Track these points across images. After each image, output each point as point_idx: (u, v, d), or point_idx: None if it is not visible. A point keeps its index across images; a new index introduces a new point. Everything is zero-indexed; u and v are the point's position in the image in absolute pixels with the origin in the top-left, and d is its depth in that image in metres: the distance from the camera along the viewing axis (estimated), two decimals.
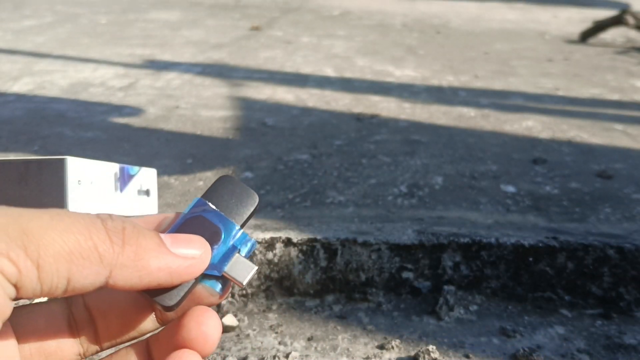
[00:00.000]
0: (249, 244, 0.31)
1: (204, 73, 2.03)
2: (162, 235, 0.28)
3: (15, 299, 0.25)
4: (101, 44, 2.46)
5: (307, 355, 0.77)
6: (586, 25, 2.91)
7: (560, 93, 1.88)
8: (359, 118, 1.57)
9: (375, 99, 1.75)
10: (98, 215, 0.27)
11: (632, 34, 2.87)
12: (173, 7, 3.57)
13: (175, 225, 0.30)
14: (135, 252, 0.27)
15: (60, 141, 1.36)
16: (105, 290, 0.30)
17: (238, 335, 0.80)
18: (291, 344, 0.79)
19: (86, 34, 2.70)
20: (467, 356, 0.77)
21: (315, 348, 0.78)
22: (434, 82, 1.98)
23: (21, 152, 1.29)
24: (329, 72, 2.09)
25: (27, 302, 0.31)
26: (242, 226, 0.31)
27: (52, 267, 0.25)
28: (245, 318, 0.84)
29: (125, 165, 0.95)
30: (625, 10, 2.74)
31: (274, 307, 0.87)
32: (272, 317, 0.85)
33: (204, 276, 0.30)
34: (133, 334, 0.31)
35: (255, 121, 1.53)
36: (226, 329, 0.81)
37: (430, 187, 1.13)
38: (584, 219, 1.01)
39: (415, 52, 2.46)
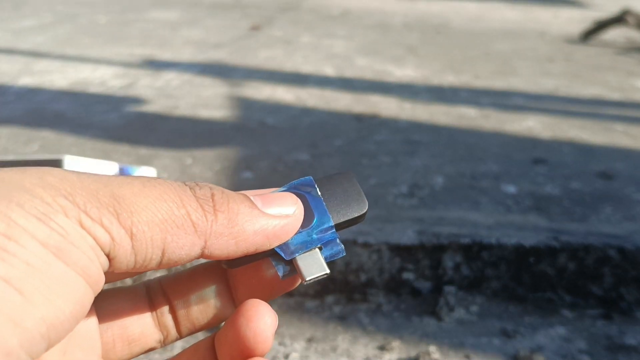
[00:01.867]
0: (335, 249, 0.29)
1: (204, 73, 2.03)
2: (252, 197, 0.27)
3: (108, 271, 0.24)
4: (101, 44, 2.46)
5: (307, 356, 0.76)
6: (587, 25, 2.90)
7: (561, 93, 1.88)
8: (359, 118, 1.56)
9: (375, 98, 1.75)
10: (186, 183, 0.26)
11: (633, 34, 2.87)
12: (172, 6, 3.56)
13: (276, 192, 0.29)
14: (228, 218, 0.25)
15: (59, 141, 1.36)
16: (183, 274, 0.30)
17: None
18: (291, 344, 0.79)
19: (86, 33, 2.70)
20: (467, 357, 0.76)
21: (315, 349, 0.78)
22: (435, 81, 1.98)
23: (20, 152, 1.28)
24: (329, 71, 2.08)
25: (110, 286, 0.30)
26: (337, 226, 0.29)
27: (147, 235, 0.23)
28: None
29: (125, 165, 0.94)
30: (626, 10, 2.74)
31: (274, 307, 0.86)
32: None
33: (273, 254, 0.28)
34: (211, 320, 0.30)
35: (255, 121, 1.52)
36: None
37: (430, 188, 1.13)
38: (585, 219, 1.01)
39: (416, 52, 2.46)
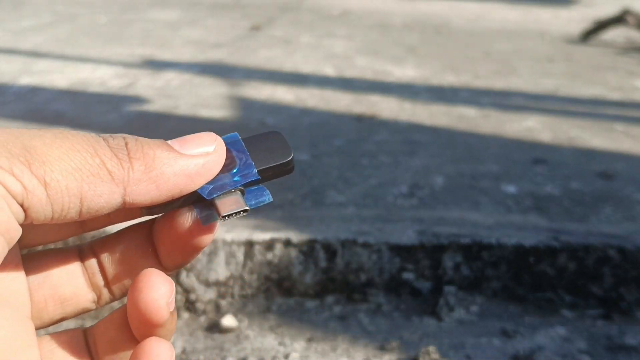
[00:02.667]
0: (260, 195, 0.28)
1: (204, 73, 2.03)
2: (169, 141, 0.27)
3: (25, 223, 0.24)
4: (100, 44, 2.46)
5: (307, 356, 0.76)
6: (587, 25, 2.90)
7: (561, 93, 1.88)
8: (359, 118, 1.56)
9: (375, 98, 1.75)
10: (99, 135, 0.26)
11: (633, 34, 2.87)
12: (172, 6, 3.56)
13: None
14: (145, 164, 0.25)
15: None
16: (112, 235, 0.30)
17: (237, 336, 0.80)
18: (291, 344, 0.78)
19: (85, 33, 2.70)
20: (467, 357, 0.76)
21: (315, 349, 0.78)
22: (435, 82, 1.97)
23: None
24: (329, 71, 2.08)
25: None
26: (261, 173, 0.28)
27: (61, 184, 0.23)
28: (245, 319, 0.84)
29: None
30: (626, 10, 2.74)
31: (274, 307, 0.86)
32: (272, 318, 0.84)
33: (195, 200, 0.28)
34: None
35: (255, 121, 1.52)
36: (226, 330, 0.81)
37: (430, 188, 1.12)
38: (585, 219, 1.01)
39: (416, 52, 2.46)
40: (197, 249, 0.29)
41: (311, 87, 1.86)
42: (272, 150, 0.29)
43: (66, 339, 0.29)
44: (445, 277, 0.89)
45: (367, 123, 1.52)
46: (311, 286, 0.88)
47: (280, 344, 0.79)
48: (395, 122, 1.54)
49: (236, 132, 0.30)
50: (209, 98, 1.73)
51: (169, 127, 1.45)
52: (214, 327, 0.81)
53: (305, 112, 1.61)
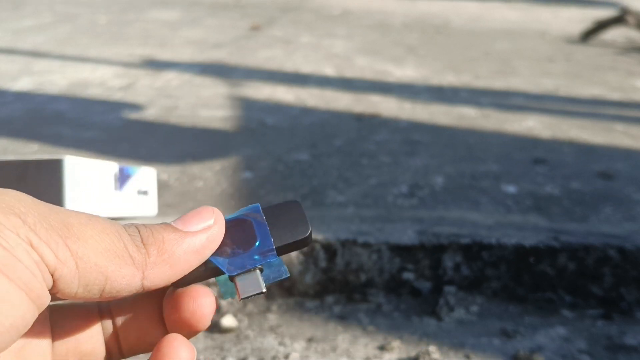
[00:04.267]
0: (278, 271, 0.31)
1: (204, 73, 2.03)
2: (173, 222, 0.29)
3: (52, 292, 0.25)
4: (100, 44, 2.46)
5: (307, 356, 0.76)
6: (587, 25, 2.90)
7: (561, 93, 1.88)
8: (359, 118, 1.56)
9: (375, 98, 1.75)
10: (118, 223, 0.28)
11: (633, 34, 2.87)
12: (172, 6, 3.56)
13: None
14: (157, 248, 0.27)
15: (59, 141, 1.36)
16: (129, 298, 0.31)
17: (237, 336, 0.80)
18: (291, 344, 0.78)
19: (85, 33, 2.70)
20: (467, 357, 0.76)
21: (315, 349, 0.78)
22: (435, 81, 1.97)
23: (20, 152, 1.28)
24: (329, 71, 2.08)
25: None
26: (279, 249, 0.30)
27: (91, 260, 0.25)
28: (245, 319, 0.84)
29: (125, 165, 0.94)
30: (626, 10, 2.74)
31: (274, 307, 0.86)
32: (272, 318, 0.84)
33: (216, 273, 0.30)
34: (146, 346, 0.32)
35: (255, 121, 1.52)
36: (225, 330, 0.81)
37: (430, 188, 1.12)
38: (585, 219, 1.01)
39: (416, 52, 2.46)
40: (196, 331, 0.31)
41: (311, 87, 1.86)
42: (291, 225, 0.31)
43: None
44: (445, 277, 0.89)
45: (367, 123, 1.52)
46: (311, 286, 0.88)
47: (280, 344, 0.79)
48: (395, 122, 1.54)
49: (258, 204, 0.32)
50: (208, 98, 1.73)
51: (168, 127, 1.46)
52: (214, 327, 0.81)
53: (305, 112, 1.61)
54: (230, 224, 0.30)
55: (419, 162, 1.25)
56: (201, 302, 0.30)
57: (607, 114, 1.66)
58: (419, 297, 0.89)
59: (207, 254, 0.29)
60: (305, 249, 0.87)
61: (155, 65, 2.12)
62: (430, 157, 1.29)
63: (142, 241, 0.27)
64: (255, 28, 2.91)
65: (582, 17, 3.40)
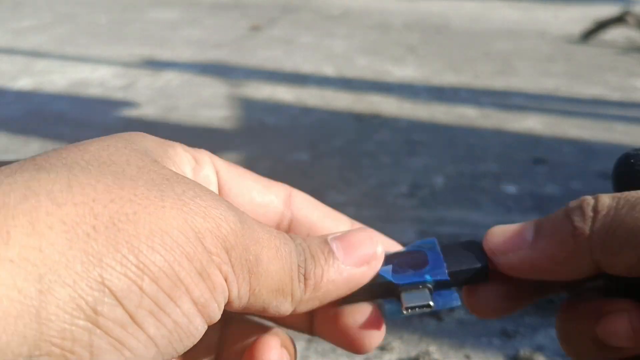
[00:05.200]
0: (450, 298, 0.28)
1: (204, 73, 2.03)
2: (333, 244, 0.27)
3: None
4: (100, 44, 2.46)
5: (307, 356, 0.76)
6: (587, 25, 2.90)
7: (561, 93, 1.88)
8: (359, 118, 1.56)
9: (375, 98, 1.75)
10: (292, 238, 0.26)
11: (634, 33, 2.87)
12: (172, 6, 3.56)
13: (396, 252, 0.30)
14: (314, 284, 0.26)
15: (59, 141, 1.36)
16: (239, 322, 0.31)
17: None
18: None
19: (85, 33, 2.70)
20: (467, 357, 0.76)
21: (315, 349, 0.78)
22: (435, 81, 1.97)
23: (20, 152, 1.28)
24: (329, 71, 2.08)
25: None
26: (451, 274, 0.28)
27: (262, 295, 0.25)
28: None
29: None
30: (626, 10, 2.74)
31: None
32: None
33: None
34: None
35: (255, 121, 1.52)
36: None
37: (430, 188, 1.12)
38: None
39: (416, 52, 2.46)
40: (362, 350, 0.29)
41: (311, 87, 1.86)
42: (467, 256, 0.29)
43: None
44: None
45: (367, 123, 1.52)
46: None
47: None
48: (395, 122, 1.54)
49: (435, 238, 0.30)
50: (209, 98, 1.73)
51: (169, 127, 1.45)
52: None
53: (305, 112, 1.61)
54: (403, 253, 0.29)
55: (419, 162, 1.25)
56: (367, 334, 0.28)
57: (607, 114, 1.65)
58: None
59: (356, 287, 0.27)
60: None
61: (155, 65, 2.12)
62: (430, 157, 1.29)
63: (304, 274, 0.26)
64: (255, 28, 2.91)
65: (582, 17, 3.40)
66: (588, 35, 2.78)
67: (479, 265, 0.28)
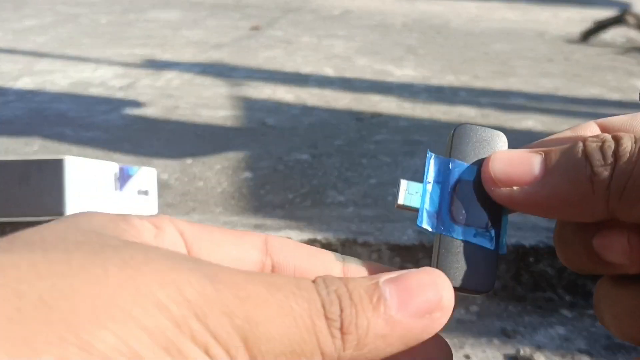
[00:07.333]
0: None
1: (204, 73, 2.03)
2: (386, 288, 0.21)
3: None
4: (101, 44, 2.46)
5: None
6: (586, 25, 2.91)
7: (561, 93, 1.88)
8: (359, 118, 1.57)
9: (375, 98, 1.75)
10: (317, 289, 0.21)
11: (633, 34, 2.87)
12: (173, 7, 3.57)
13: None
14: (357, 339, 0.21)
15: (60, 141, 1.36)
16: None
17: None
18: None
19: (87, 34, 2.70)
20: (467, 356, 0.77)
21: None
22: (434, 82, 1.98)
23: (22, 152, 1.29)
24: (329, 72, 2.09)
25: None
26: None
27: None
28: None
29: (125, 165, 0.95)
30: (625, 10, 2.74)
31: None
32: None
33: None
34: None
35: (256, 121, 1.53)
36: None
37: None
38: None
39: (416, 52, 2.46)
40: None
41: (311, 87, 1.87)
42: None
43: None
44: None
45: (367, 123, 1.52)
46: None
47: None
48: (395, 121, 1.54)
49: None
50: (209, 98, 1.73)
51: (169, 127, 1.46)
52: None
53: (306, 112, 1.61)
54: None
55: (419, 162, 1.26)
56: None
57: (607, 114, 1.65)
58: None
59: (416, 342, 0.21)
60: None
61: (156, 65, 2.13)
62: None
63: (341, 328, 0.20)
64: (255, 28, 2.92)
65: (581, 17, 3.41)
66: (587, 35, 2.79)
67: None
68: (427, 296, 0.21)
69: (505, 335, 0.81)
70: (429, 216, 0.25)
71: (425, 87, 1.90)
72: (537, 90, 1.91)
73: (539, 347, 0.78)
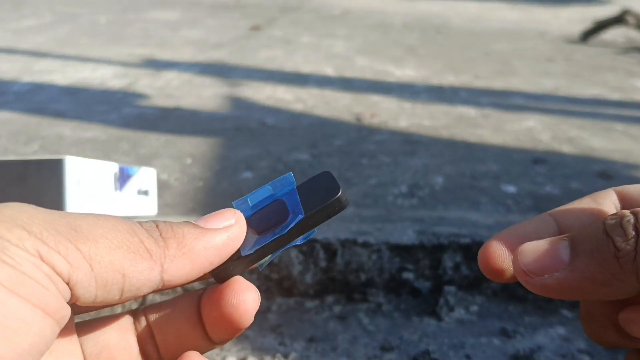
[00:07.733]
0: (309, 234, 0.31)
1: (204, 73, 2.03)
2: (194, 220, 0.29)
3: (71, 302, 0.24)
4: (101, 44, 2.46)
5: (307, 356, 0.76)
6: (587, 25, 2.90)
7: (561, 93, 1.88)
8: (359, 118, 1.56)
9: (375, 98, 1.75)
10: (132, 220, 0.27)
11: (633, 34, 2.87)
12: (173, 6, 3.57)
13: (258, 203, 0.32)
14: (176, 242, 0.27)
15: (59, 141, 1.36)
16: (164, 303, 0.31)
17: (237, 335, 0.80)
18: (291, 344, 0.79)
19: (86, 33, 2.70)
20: (467, 357, 0.76)
21: (315, 349, 0.78)
22: (434, 81, 1.98)
23: (21, 152, 1.28)
24: (329, 71, 2.08)
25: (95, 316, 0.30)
26: (310, 217, 0.31)
27: (105, 259, 0.24)
28: None
29: (125, 165, 0.94)
30: (626, 10, 2.74)
31: (274, 307, 0.87)
32: (272, 318, 0.84)
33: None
34: (187, 350, 0.30)
35: (255, 121, 1.52)
36: None
37: (430, 187, 1.13)
38: None
39: (416, 52, 2.46)
40: (238, 328, 0.30)
41: (311, 87, 1.86)
42: (322, 192, 0.31)
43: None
44: (445, 277, 0.89)
45: (367, 123, 1.52)
46: (311, 286, 0.88)
47: (281, 343, 0.79)
48: (395, 122, 1.54)
49: (290, 173, 0.33)
50: (209, 98, 1.73)
51: (169, 127, 1.46)
52: None
53: (305, 112, 1.61)
54: (264, 210, 0.31)
55: (419, 162, 1.26)
56: (244, 297, 0.29)
57: (607, 114, 1.66)
58: (419, 297, 0.89)
59: (227, 252, 0.29)
60: (304, 248, 0.87)
61: (156, 65, 2.13)
62: (430, 157, 1.29)
63: (160, 235, 0.27)
64: (255, 28, 2.91)
65: (582, 17, 3.41)
66: (587, 35, 2.78)
67: (331, 198, 0.31)
68: (225, 215, 0.29)
69: (506, 335, 0.81)
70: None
71: (425, 87, 1.90)
72: (537, 90, 1.90)
73: (539, 348, 0.78)
